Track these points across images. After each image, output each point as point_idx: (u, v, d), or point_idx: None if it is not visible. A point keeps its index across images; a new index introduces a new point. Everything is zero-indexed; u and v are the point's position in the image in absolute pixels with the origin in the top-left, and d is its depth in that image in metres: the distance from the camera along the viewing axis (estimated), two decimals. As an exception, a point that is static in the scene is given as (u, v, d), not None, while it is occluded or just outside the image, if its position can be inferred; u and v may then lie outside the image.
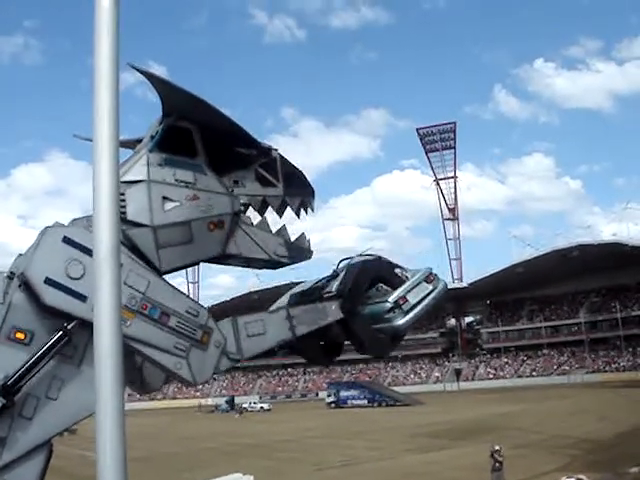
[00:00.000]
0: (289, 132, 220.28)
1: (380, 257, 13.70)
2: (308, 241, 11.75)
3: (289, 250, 11.46)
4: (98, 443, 2.83)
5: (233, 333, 10.17)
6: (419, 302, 12.64)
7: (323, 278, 14.28)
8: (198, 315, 9.75)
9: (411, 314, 12.44)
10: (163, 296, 9.55)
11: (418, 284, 12.88)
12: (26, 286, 9.06)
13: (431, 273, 13.26)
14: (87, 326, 8.96)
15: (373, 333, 12.30)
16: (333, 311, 11.48)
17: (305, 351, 12.94)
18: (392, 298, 12.35)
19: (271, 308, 12.52)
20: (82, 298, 8.89)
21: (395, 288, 12.69)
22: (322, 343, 12.50)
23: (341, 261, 13.82)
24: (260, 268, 12.29)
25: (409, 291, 12.62)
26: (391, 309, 12.26)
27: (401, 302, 12.37)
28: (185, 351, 9.22)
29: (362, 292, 12.27)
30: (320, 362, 13.78)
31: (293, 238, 11.58)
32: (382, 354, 13.62)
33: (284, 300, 13.59)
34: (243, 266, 12.13)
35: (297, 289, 14.19)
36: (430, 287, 13.07)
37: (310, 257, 11.90)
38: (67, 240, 9.00)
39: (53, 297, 8.83)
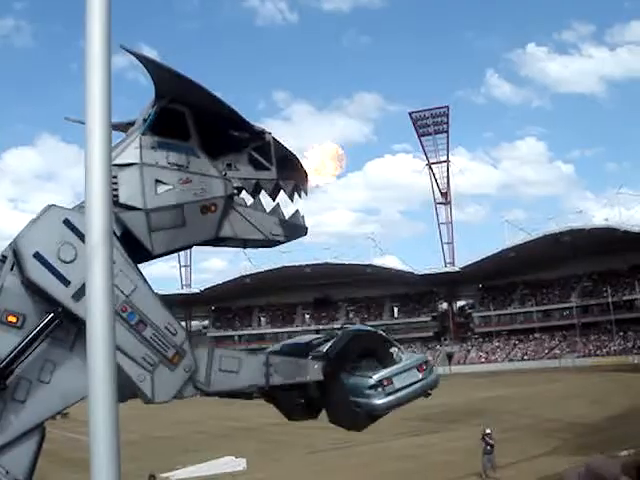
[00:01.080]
0: (281, 116, 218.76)
1: (382, 335, 13.59)
2: (302, 218, 11.71)
3: (284, 228, 11.42)
4: (91, 427, 2.83)
5: (206, 362, 10.09)
6: (404, 388, 12.51)
7: (322, 337, 14.20)
8: (176, 334, 9.70)
9: (392, 397, 12.28)
10: (146, 305, 9.51)
11: (408, 370, 12.73)
12: (14, 254, 9.04)
13: (426, 362, 13.12)
14: (67, 314, 8.97)
15: (349, 405, 12.17)
16: (314, 370, 11.38)
17: (282, 404, 12.85)
18: (377, 376, 12.20)
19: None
20: (65, 282, 8.88)
21: (385, 367, 12.59)
22: (302, 401, 12.38)
23: (345, 324, 13.69)
24: (256, 247, 12.26)
25: (397, 374, 12.48)
26: (373, 386, 12.16)
27: (385, 383, 12.21)
28: (152, 366, 9.14)
29: (349, 359, 12.14)
30: (295, 418, 13.54)
31: (287, 216, 11.56)
32: (354, 429, 13.36)
33: (276, 347, 13.50)
34: (239, 247, 12.12)
35: (293, 340, 14.07)
36: (420, 376, 12.87)
37: (305, 234, 11.86)
38: (67, 223, 8.98)
39: (37, 273, 8.83)
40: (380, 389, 12.02)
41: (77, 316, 8.95)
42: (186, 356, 9.75)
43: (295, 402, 12.41)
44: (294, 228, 11.72)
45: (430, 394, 13.32)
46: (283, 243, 11.70)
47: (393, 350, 13.16)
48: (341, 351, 12.00)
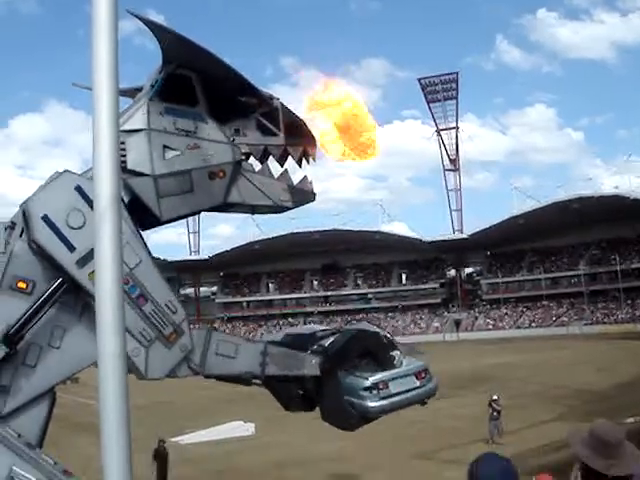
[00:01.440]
0: (289, 82, 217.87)
1: (387, 337, 13.52)
2: (310, 183, 11.66)
3: (292, 194, 11.39)
4: (101, 392, 2.84)
5: (203, 344, 10.11)
6: (399, 394, 12.44)
7: (328, 330, 14.15)
8: (175, 313, 9.73)
9: (386, 402, 12.22)
10: (148, 280, 9.53)
11: (406, 376, 12.65)
12: (23, 216, 9.07)
13: (425, 370, 13.04)
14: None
15: (342, 404, 12.13)
16: (311, 365, 11.37)
17: (279, 394, 12.86)
18: (373, 379, 12.15)
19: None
20: (71, 248, 8.91)
21: (383, 370, 12.53)
22: (300, 393, 12.37)
23: (348, 322, 13.58)
24: (265, 214, 12.24)
25: (394, 379, 12.42)
26: (368, 388, 12.10)
27: (381, 386, 12.15)
28: (149, 341, 9.17)
29: (348, 358, 12.09)
30: (292, 409, 13.53)
31: (295, 182, 11.52)
32: (347, 429, 13.34)
33: (279, 335, 13.45)
34: (247, 213, 12.11)
35: (297, 330, 14.04)
36: (417, 383, 12.78)
37: (314, 199, 11.83)
38: (79, 189, 8.98)
39: (44, 236, 8.86)
40: (375, 392, 11.98)
41: (80, 283, 8.99)
42: (183, 336, 9.78)
43: (292, 394, 12.43)
44: (302, 194, 11.68)
45: (426, 402, 13.32)
46: (291, 209, 11.68)
47: (395, 353, 13.11)
48: (341, 349, 12.00)
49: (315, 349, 11.84)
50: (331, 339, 12.38)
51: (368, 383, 11.84)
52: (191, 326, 10.08)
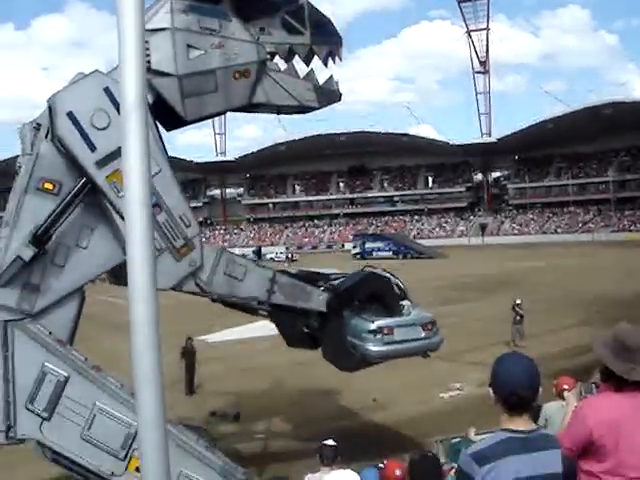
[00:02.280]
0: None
1: (398, 285, 13.31)
2: (337, 83, 11.56)
3: (318, 94, 11.31)
4: (130, 291, 2.88)
5: (212, 262, 10.14)
6: (403, 342, 12.28)
7: (340, 274, 14.00)
8: (189, 226, 9.75)
9: (388, 347, 12.10)
10: (165, 190, 9.54)
11: (413, 325, 12.47)
12: (49, 110, 9.08)
13: (433, 322, 12.84)
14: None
15: (344, 344, 12.08)
16: (318, 300, 11.34)
17: (283, 327, 12.85)
18: (378, 323, 12.02)
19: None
20: (92, 147, 8.94)
21: (391, 316, 12.36)
22: (304, 329, 12.35)
23: (366, 267, 13.41)
24: (290, 114, 12.19)
25: (400, 326, 12.26)
26: (372, 332, 11.96)
27: (385, 331, 12.03)
28: (158, 250, 9.20)
29: (355, 297, 12.01)
30: (294, 345, 13.55)
31: (321, 82, 11.40)
32: (346, 369, 13.26)
33: (293, 271, 13.35)
34: (273, 112, 12.02)
35: (313, 269, 13.89)
36: (423, 334, 12.60)
37: (339, 100, 11.74)
38: (107, 91, 8.95)
39: (66, 131, 8.88)
40: (379, 336, 11.99)
41: (97, 184, 9.04)
42: (194, 251, 9.85)
43: (296, 329, 12.52)
44: (328, 94, 11.58)
45: (429, 355, 13.29)
46: (317, 109, 11.60)
47: (405, 303, 13.05)
48: (350, 288, 12.01)
49: (324, 286, 11.91)
50: (342, 279, 12.42)
51: (373, 326, 11.89)
52: (204, 242, 10.16)
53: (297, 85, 11.08)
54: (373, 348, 12.00)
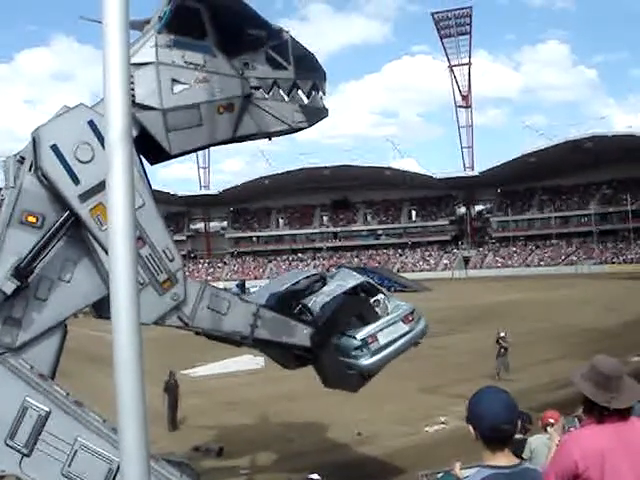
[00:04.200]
0: (298, 15, 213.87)
1: (371, 282, 13.40)
2: (321, 98, 11.64)
3: (306, 114, 11.41)
4: (114, 326, 2.87)
5: (196, 297, 10.12)
6: (390, 343, 12.34)
7: (311, 276, 14.04)
8: (172, 261, 9.74)
9: (379, 356, 12.16)
10: (149, 223, 9.53)
11: (393, 323, 12.53)
12: (33, 143, 9.07)
13: (412, 312, 12.89)
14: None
15: (340, 368, 12.12)
16: (302, 335, 11.37)
17: (272, 356, 12.88)
18: (360, 335, 12.07)
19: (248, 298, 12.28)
20: (75, 180, 8.93)
21: (369, 323, 12.41)
22: (292, 355, 12.37)
23: (339, 267, 13.48)
24: (281, 136, 12.20)
25: (381, 330, 12.32)
26: (358, 347, 12.02)
27: (369, 341, 12.08)
28: (141, 285, 9.14)
29: (336, 328, 12.06)
30: (290, 368, 13.56)
31: (306, 101, 11.49)
32: (350, 390, 13.29)
33: (264, 294, 13.33)
34: (263, 138, 12.06)
35: (279, 285, 13.89)
36: (406, 328, 12.65)
37: (327, 115, 11.82)
38: (92, 124, 8.96)
39: (50, 164, 8.87)
40: (365, 349, 11.99)
41: (80, 217, 9.02)
42: (177, 285, 9.82)
43: (285, 356, 12.54)
44: (315, 112, 11.68)
45: (419, 343, 13.29)
46: (307, 128, 11.68)
47: (379, 297, 13.07)
48: (329, 321, 11.99)
49: (305, 319, 11.90)
50: (320, 300, 12.39)
51: (357, 342, 11.89)
52: (187, 276, 10.13)
53: (285, 109, 11.16)
54: (364, 362, 12.00)
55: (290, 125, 11.24)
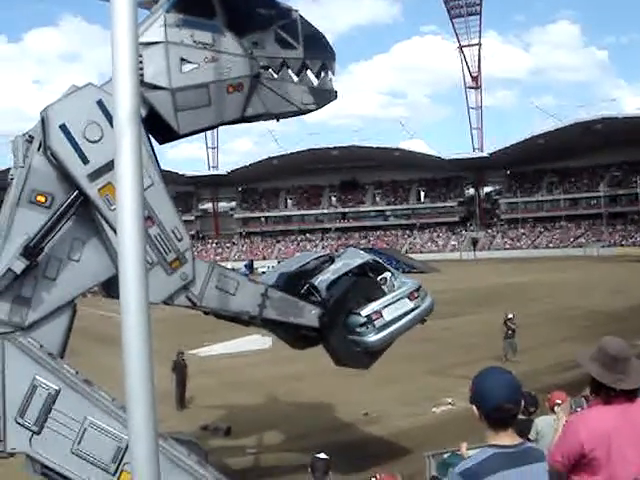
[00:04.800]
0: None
1: (377, 259, 13.38)
2: (330, 81, 11.59)
3: (315, 96, 11.37)
4: (123, 304, 2.88)
5: (205, 277, 10.12)
6: (395, 320, 12.32)
7: (320, 256, 14.03)
8: (181, 240, 9.74)
9: (384, 332, 12.15)
10: (158, 203, 9.53)
11: (398, 299, 12.51)
12: (42, 123, 9.07)
13: (418, 289, 12.87)
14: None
15: (348, 346, 12.13)
16: (310, 316, 11.37)
17: (280, 335, 12.90)
18: (365, 312, 12.06)
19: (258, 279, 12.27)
20: (84, 160, 8.93)
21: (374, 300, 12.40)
22: (301, 335, 12.39)
23: (347, 247, 13.46)
24: (289, 117, 12.17)
25: (386, 306, 12.30)
26: (364, 324, 12.01)
27: (374, 317, 12.06)
28: (150, 264, 9.18)
29: (344, 309, 12.06)
30: (297, 347, 13.59)
31: (315, 83, 11.46)
32: (360, 367, 13.29)
33: (271, 273, 13.32)
34: (272, 119, 12.04)
35: (289, 266, 13.92)
36: (411, 305, 12.62)
37: (335, 97, 11.79)
38: (100, 104, 8.95)
39: (58, 143, 8.87)
40: (370, 326, 12.01)
41: (89, 197, 9.04)
42: (186, 264, 9.83)
43: (293, 336, 12.58)
44: (324, 94, 11.64)
45: (425, 320, 13.29)
46: (315, 111, 11.65)
47: (386, 275, 13.07)
48: (337, 302, 12.01)
49: (314, 299, 11.93)
50: (325, 278, 12.42)
51: (362, 319, 11.91)
52: (195, 256, 10.15)
53: (293, 90, 11.12)
54: (370, 339, 12.04)
55: (298, 107, 11.20)
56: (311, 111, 11.61)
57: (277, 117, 11.71)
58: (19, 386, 8.74)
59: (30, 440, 8.74)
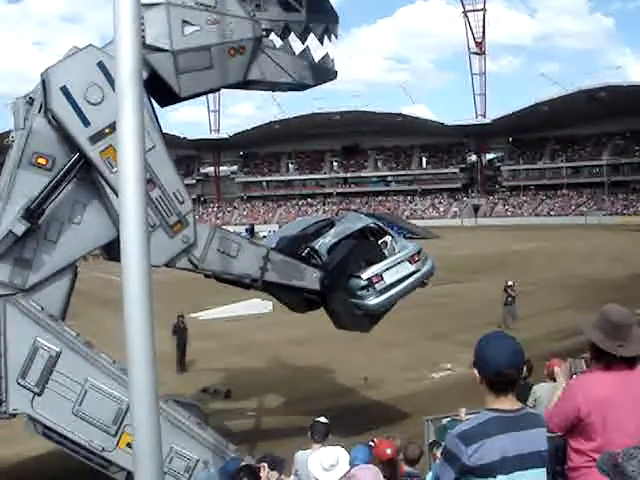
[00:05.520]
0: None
1: (378, 223, 13.33)
2: (332, 61, 11.53)
3: (314, 72, 11.29)
4: (124, 267, 2.88)
5: (206, 239, 10.13)
6: (395, 283, 12.29)
7: (321, 221, 13.96)
8: (182, 203, 9.73)
9: (385, 295, 12.14)
10: (159, 166, 9.50)
11: (399, 263, 12.48)
12: (43, 85, 9.03)
13: (419, 252, 12.82)
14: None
15: (349, 309, 12.13)
16: (311, 279, 11.37)
17: (281, 299, 12.89)
18: (366, 275, 12.07)
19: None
20: (85, 122, 8.90)
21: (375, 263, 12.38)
22: (302, 298, 12.38)
23: (346, 211, 13.42)
24: (285, 91, 12.13)
25: (387, 269, 12.27)
26: (364, 287, 11.99)
27: (375, 280, 12.06)
28: (151, 227, 9.17)
29: (345, 272, 12.04)
30: (297, 311, 13.58)
31: (317, 59, 11.37)
32: (360, 330, 13.29)
33: (272, 237, 13.28)
34: (267, 90, 11.98)
35: (289, 230, 13.87)
36: (412, 268, 12.59)
37: (335, 77, 11.72)
38: (101, 65, 8.90)
39: (60, 106, 8.84)
40: (371, 289, 12.04)
41: (90, 159, 9.01)
42: (187, 227, 9.84)
43: (294, 300, 12.59)
44: (324, 71, 11.56)
45: (426, 283, 13.29)
46: (312, 87, 11.57)
47: (387, 239, 13.07)
48: (339, 264, 12.02)
49: (314, 262, 11.95)
50: (326, 242, 12.42)
51: (363, 282, 11.95)
52: (197, 219, 10.15)
53: (293, 62, 11.04)
54: (370, 302, 12.11)
55: (296, 79, 11.12)
56: (308, 86, 11.53)
57: (273, 87, 11.64)
58: (20, 348, 8.80)
59: (32, 401, 8.82)
